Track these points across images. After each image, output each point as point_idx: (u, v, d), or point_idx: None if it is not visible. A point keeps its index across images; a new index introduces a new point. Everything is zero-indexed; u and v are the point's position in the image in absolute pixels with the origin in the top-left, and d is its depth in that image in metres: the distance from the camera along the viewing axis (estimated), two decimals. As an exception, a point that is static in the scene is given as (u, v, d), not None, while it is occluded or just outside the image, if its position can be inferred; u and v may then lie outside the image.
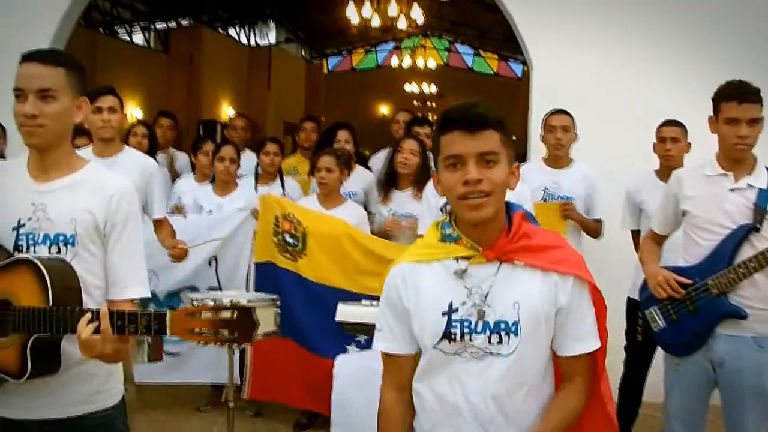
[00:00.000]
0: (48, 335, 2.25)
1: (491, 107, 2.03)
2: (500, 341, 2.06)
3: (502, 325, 2.06)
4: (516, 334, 2.06)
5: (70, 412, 2.41)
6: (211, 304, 2.20)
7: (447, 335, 2.07)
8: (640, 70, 6.04)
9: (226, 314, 2.13)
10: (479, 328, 2.06)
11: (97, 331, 2.17)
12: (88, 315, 2.18)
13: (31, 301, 2.25)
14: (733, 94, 3.39)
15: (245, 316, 2.15)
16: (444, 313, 2.08)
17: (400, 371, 2.23)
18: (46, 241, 2.37)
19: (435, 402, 2.15)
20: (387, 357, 2.25)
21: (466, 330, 2.06)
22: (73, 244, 2.38)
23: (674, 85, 5.93)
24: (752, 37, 5.92)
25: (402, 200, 5.32)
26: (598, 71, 6.09)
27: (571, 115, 5.06)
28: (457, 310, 2.08)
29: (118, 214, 2.44)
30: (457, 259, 2.10)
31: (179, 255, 4.42)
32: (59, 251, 2.37)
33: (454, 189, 2.01)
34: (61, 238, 2.38)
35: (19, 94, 2.34)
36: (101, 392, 2.48)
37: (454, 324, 2.07)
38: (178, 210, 5.79)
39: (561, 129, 5.00)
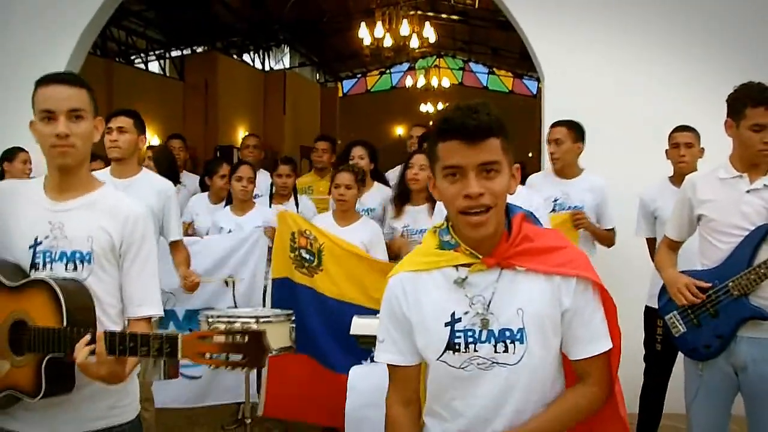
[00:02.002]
0: (62, 355, 2.26)
1: (491, 111, 1.94)
2: (506, 350, 2.00)
3: (507, 333, 2.00)
4: (521, 342, 2.00)
5: (86, 427, 2.43)
6: (223, 327, 2.19)
7: (451, 346, 2.02)
8: (658, 79, 6.05)
9: (238, 338, 2.13)
10: (484, 337, 2.00)
11: (93, 353, 2.19)
12: (87, 337, 2.20)
13: (45, 321, 2.28)
14: (761, 99, 3.33)
15: (256, 341, 2.14)
16: (447, 324, 2.02)
17: (405, 383, 2.18)
18: (62, 258, 2.41)
19: (448, 419, 2.09)
20: (392, 368, 2.19)
21: (470, 340, 2.01)
22: (90, 262, 2.42)
23: (687, 96, 5.91)
24: (751, 38, 5.92)
25: (415, 215, 5.32)
26: (611, 82, 6.07)
27: (568, 126, 5.04)
28: (460, 320, 2.02)
29: (134, 234, 2.48)
30: (456, 267, 2.04)
31: (191, 287, 4.43)
32: (75, 269, 2.41)
33: (454, 201, 1.95)
34: (78, 255, 2.42)
35: (48, 115, 2.36)
36: (116, 408, 2.50)
37: (457, 334, 2.01)
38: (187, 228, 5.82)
39: (554, 142, 5.05)
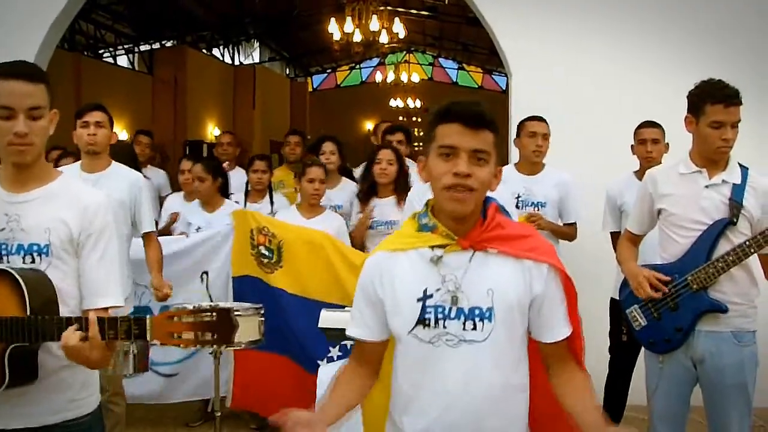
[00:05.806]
0: (26, 345, 2.25)
1: (490, 109, 2.11)
2: (474, 327, 2.11)
3: (477, 312, 2.11)
4: (490, 320, 2.11)
5: (46, 420, 2.41)
6: (190, 308, 2.19)
7: (422, 321, 2.13)
8: (621, 76, 6.09)
9: (206, 317, 2.15)
10: (453, 314, 2.12)
11: (85, 338, 2.18)
12: (75, 325, 2.19)
13: (7, 311, 2.25)
14: (720, 97, 3.39)
15: (225, 318, 2.16)
16: (419, 299, 2.14)
17: (366, 354, 2.33)
18: (20, 251, 2.39)
19: (414, 393, 2.18)
20: (358, 343, 2.33)
21: (440, 316, 2.12)
22: (47, 254, 2.39)
23: (654, 91, 5.96)
24: (727, 36, 5.96)
25: (383, 208, 5.35)
26: (579, 78, 6.12)
27: (547, 122, 5.10)
28: (431, 296, 2.13)
29: (94, 223, 2.45)
30: (432, 247, 2.16)
31: (162, 298, 4.45)
32: (33, 261, 2.38)
33: (442, 178, 2.08)
34: (35, 248, 2.39)
35: (8, 113, 2.29)
36: (77, 400, 2.48)
37: (428, 310, 2.13)
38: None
39: (542, 136, 5.03)
